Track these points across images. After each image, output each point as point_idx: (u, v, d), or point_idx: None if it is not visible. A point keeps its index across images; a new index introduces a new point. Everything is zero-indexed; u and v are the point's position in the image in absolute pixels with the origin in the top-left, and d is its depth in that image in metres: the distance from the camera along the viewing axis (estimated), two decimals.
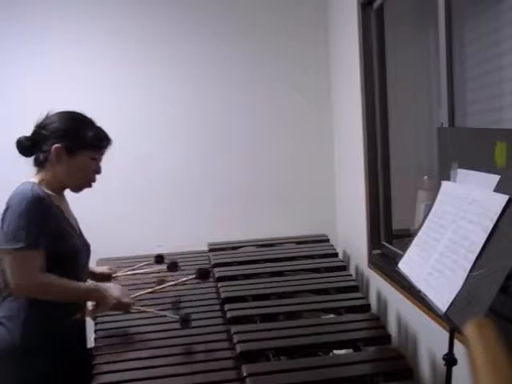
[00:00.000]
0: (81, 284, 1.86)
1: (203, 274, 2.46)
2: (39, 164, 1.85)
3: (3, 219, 1.73)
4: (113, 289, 1.94)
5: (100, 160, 1.94)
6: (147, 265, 2.67)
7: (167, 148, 3.35)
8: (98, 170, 1.93)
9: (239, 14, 3.34)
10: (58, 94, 3.09)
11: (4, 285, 1.77)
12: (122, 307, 1.97)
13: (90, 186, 1.94)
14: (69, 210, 1.96)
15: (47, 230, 1.74)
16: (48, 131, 1.83)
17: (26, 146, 1.84)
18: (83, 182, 1.91)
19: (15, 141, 1.85)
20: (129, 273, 2.58)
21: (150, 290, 2.32)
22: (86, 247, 1.98)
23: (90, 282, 1.98)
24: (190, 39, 3.32)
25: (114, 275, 2.39)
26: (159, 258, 2.70)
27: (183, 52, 3.33)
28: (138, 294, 2.19)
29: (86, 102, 3.02)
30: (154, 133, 3.34)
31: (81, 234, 1.98)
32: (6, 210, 1.73)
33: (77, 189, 1.93)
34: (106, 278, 2.32)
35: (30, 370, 1.71)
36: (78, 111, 1.91)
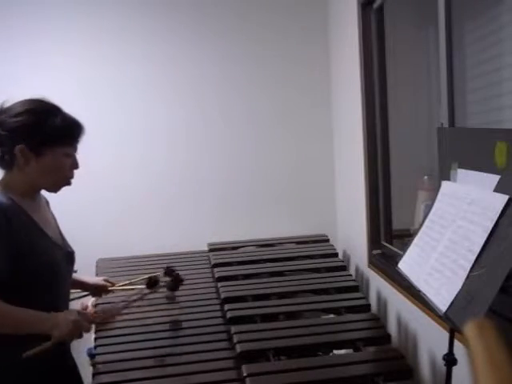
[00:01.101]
0: (30, 311, 1.51)
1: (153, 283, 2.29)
2: (6, 166, 1.59)
3: None
4: (67, 314, 1.59)
5: (75, 152, 1.65)
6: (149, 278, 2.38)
7: (167, 147, 3.35)
8: (74, 166, 1.64)
9: (239, 14, 3.33)
10: (58, 94, 3.08)
11: None
12: (79, 329, 1.57)
13: (68, 183, 1.67)
14: (44, 216, 1.68)
15: (8, 246, 1.48)
16: (6, 129, 1.54)
17: None
18: (59, 181, 1.64)
19: None
20: (126, 287, 2.31)
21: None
22: (68, 256, 1.72)
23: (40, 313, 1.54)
24: (190, 39, 3.31)
25: (110, 288, 2.12)
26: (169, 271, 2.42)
27: (183, 52, 3.32)
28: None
29: (86, 102, 3.04)
30: (154, 132, 3.33)
31: (61, 242, 1.72)
32: None
33: (53, 189, 1.66)
34: (100, 290, 2.08)
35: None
36: (40, 98, 1.62)
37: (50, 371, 1.61)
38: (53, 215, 1.80)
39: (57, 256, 1.64)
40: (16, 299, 1.49)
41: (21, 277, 1.53)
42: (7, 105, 1.59)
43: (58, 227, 1.76)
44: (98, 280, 2.08)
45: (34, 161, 1.56)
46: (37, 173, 1.58)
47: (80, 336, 1.58)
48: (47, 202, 1.81)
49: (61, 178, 1.63)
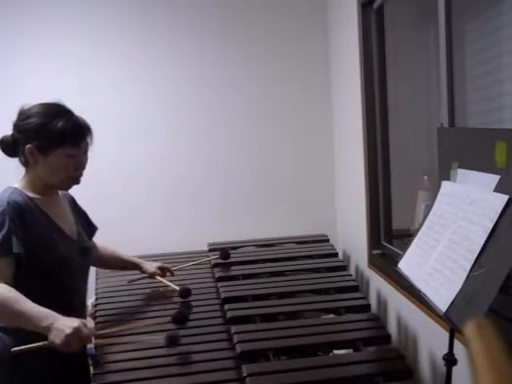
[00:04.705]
0: (33, 307, 1.51)
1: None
2: (24, 164, 1.73)
3: None
4: (69, 320, 1.54)
5: (85, 152, 1.76)
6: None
7: (168, 147, 3.35)
8: (79, 166, 1.74)
9: (239, 13, 3.34)
10: (58, 95, 3.08)
11: None
12: (78, 338, 1.52)
13: (77, 182, 1.78)
14: (60, 211, 1.81)
15: (24, 238, 1.60)
16: (20, 132, 1.69)
17: (8, 147, 1.72)
18: (65, 180, 1.74)
19: None
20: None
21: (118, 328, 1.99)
22: (82, 251, 1.84)
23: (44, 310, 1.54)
24: (190, 39, 3.32)
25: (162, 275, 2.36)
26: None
27: (183, 52, 3.33)
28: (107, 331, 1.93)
29: (86, 102, 3.03)
30: (153, 132, 3.34)
31: (77, 237, 1.83)
32: None
33: (62, 187, 1.81)
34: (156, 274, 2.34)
35: (18, 378, 1.64)
36: (52, 101, 1.75)
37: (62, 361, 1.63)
38: (79, 210, 1.96)
39: (70, 250, 1.75)
40: (30, 295, 1.54)
41: (34, 271, 1.63)
42: (25, 108, 1.73)
43: (77, 223, 1.88)
44: (153, 266, 2.35)
45: (41, 160, 1.68)
46: (45, 172, 1.70)
47: (80, 346, 1.55)
48: (73, 198, 1.96)
49: (66, 177, 1.74)
